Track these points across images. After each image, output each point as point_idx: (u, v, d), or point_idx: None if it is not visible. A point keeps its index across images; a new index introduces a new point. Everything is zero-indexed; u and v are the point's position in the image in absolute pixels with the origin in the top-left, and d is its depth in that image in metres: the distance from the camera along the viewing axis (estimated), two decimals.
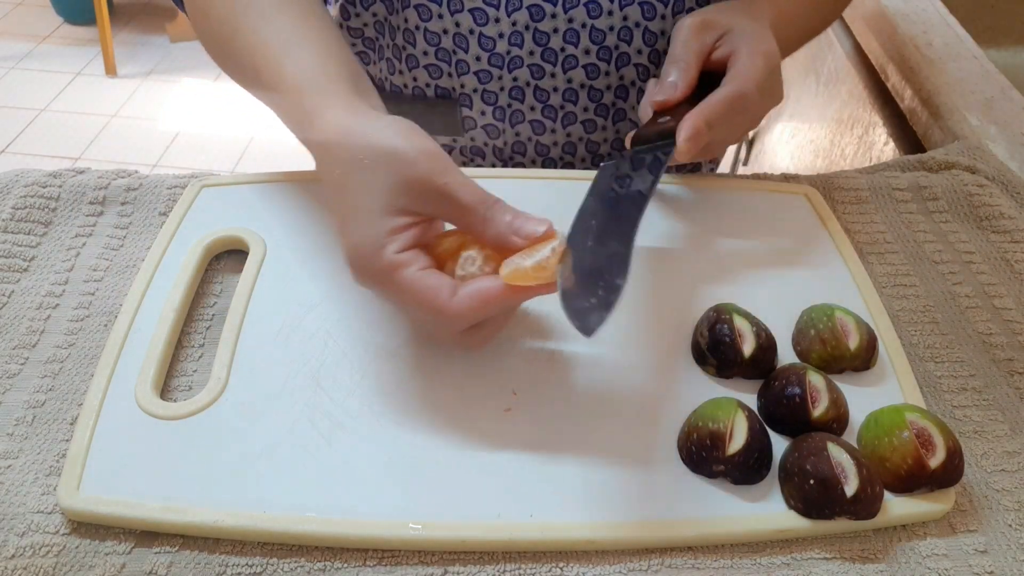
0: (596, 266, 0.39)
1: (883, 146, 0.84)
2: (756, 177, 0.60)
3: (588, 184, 0.47)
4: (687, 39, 0.50)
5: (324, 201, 0.50)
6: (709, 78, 0.50)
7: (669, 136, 0.47)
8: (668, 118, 0.48)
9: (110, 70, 2.41)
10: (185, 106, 2.34)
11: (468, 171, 0.48)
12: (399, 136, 0.40)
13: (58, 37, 2.57)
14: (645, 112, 0.51)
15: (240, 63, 0.48)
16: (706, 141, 0.46)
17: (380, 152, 0.39)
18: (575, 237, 0.41)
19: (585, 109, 0.62)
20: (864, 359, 0.45)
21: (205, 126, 2.27)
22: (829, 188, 0.59)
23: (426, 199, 0.39)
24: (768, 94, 0.49)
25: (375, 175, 0.39)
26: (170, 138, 2.21)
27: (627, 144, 0.49)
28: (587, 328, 0.36)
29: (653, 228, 0.54)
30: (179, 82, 2.43)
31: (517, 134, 0.63)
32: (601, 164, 0.49)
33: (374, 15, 0.60)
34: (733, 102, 0.47)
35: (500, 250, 0.40)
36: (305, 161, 0.47)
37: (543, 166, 0.66)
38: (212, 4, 0.49)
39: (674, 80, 0.49)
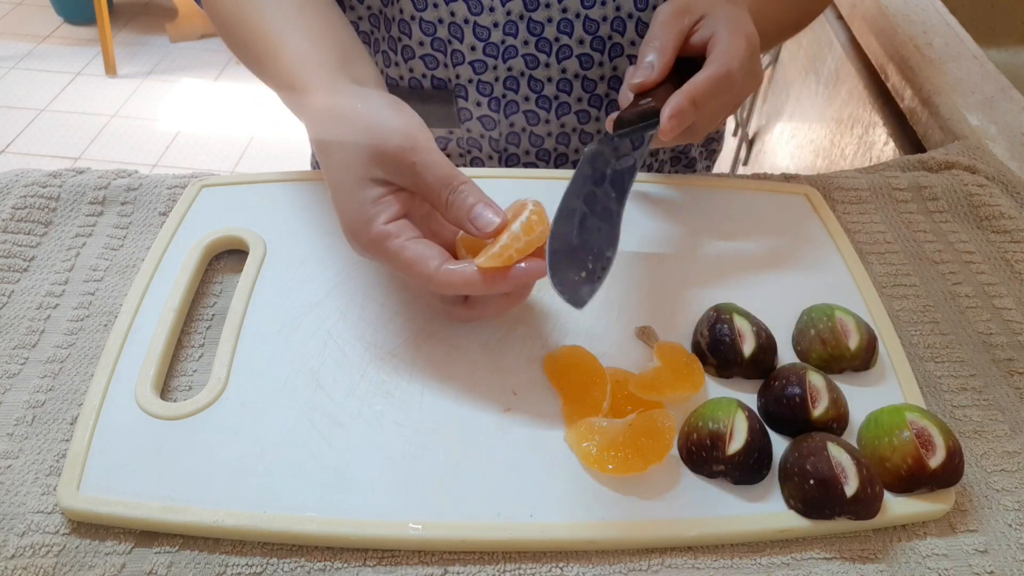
0: (584, 241, 0.40)
1: (883, 146, 0.84)
2: (756, 177, 0.60)
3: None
4: (665, 21, 0.49)
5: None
6: (686, 64, 0.49)
7: (651, 116, 0.46)
8: (649, 100, 0.47)
9: (110, 70, 2.41)
10: (185, 106, 2.34)
11: (466, 171, 0.48)
12: (380, 111, 0.42)
13: (58, 37, 2.57)
14: (625, 97, 0.50)
15: (245, 50, 0.51)
16: (691, 120, 0.46)
17: (358, 127, 0.42)
18: (561, 218, 0.41)
19: (579, 99, 0.62)
20: (864, 359, 0.45)
21: (205, 126, 2.27)
22: (829, 188, 0.59)
23: (398, 172, 0.41)
24: (750, 75, 0.49)
25: (353, 148, 0.42)
26: (170, 138, 2.21)
27: (608, 128, 0.48)
28: (578, 300, 0.37)
29: (653, 228, 0.54)
30: (179, 82, 2.43)
31: (512, 125, 0.63)
32: (586, 148, 0.48)
33: (368, 8, 0.60)
34: (719, 80, 0.46)
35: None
36: (305, 161, 0.47)
37: (537, 157, 0.66)
38: None
39: (651, 61, 0.48)
